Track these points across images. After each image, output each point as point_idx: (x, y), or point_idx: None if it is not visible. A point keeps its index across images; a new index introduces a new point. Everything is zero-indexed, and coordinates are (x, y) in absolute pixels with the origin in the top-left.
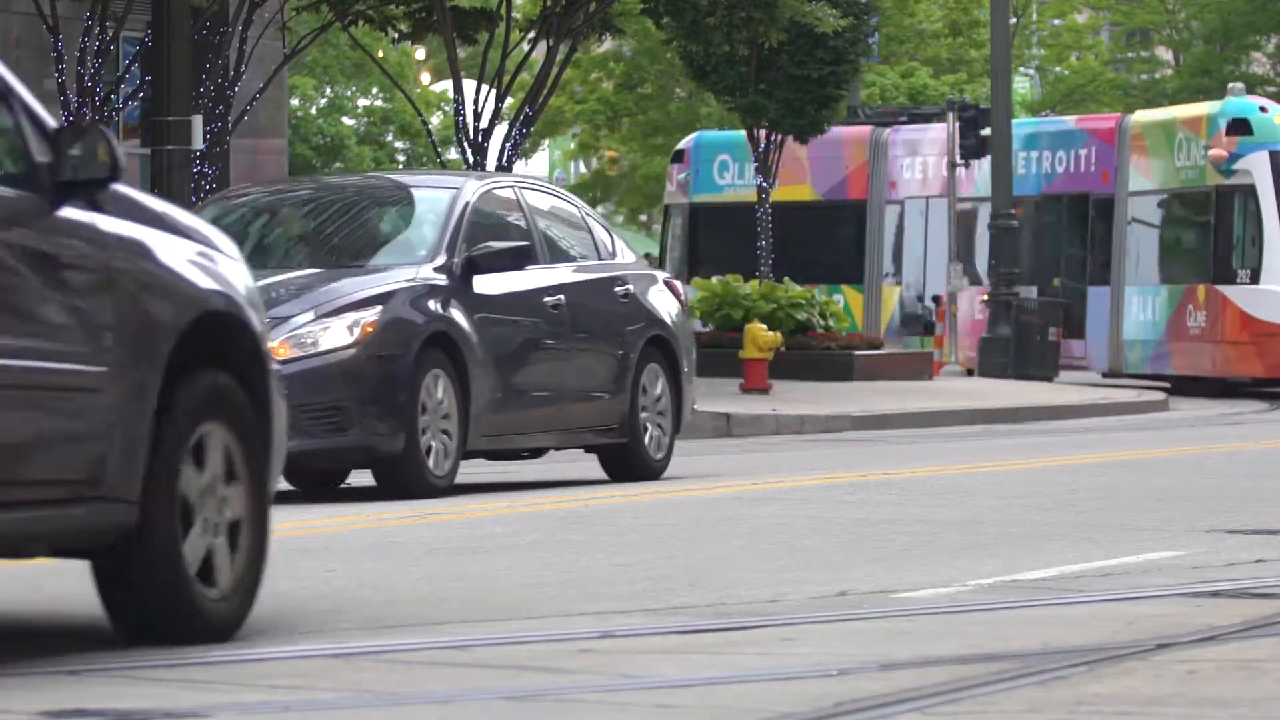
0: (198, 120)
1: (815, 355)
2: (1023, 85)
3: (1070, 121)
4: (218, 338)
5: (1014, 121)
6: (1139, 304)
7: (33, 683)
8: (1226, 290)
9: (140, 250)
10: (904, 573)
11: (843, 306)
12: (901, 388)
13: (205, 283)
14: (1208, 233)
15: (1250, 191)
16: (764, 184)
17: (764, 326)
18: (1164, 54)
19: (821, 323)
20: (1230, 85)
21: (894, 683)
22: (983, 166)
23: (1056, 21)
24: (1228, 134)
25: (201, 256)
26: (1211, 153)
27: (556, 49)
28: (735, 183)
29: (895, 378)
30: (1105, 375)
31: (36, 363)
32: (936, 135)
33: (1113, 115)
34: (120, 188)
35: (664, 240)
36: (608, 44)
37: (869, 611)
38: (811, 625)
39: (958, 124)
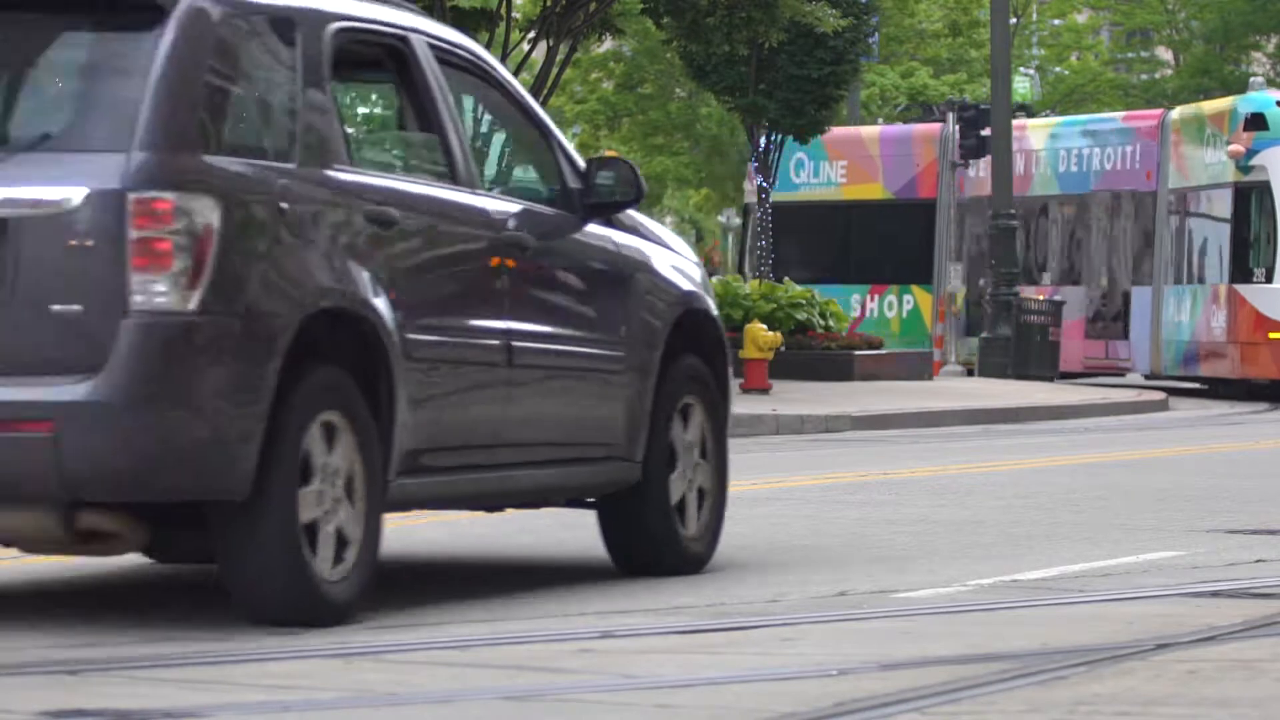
0: None
1: (815, 355)
2: (1023, 85)
3: (1118, 118)
4: (693, 328)
5: (1066, 119)
6: (1174, 304)
7: (33, 683)
8: (1243, 290)
9: (643, 260)
10: (904, 573)
11: (912, 307)
12: (901, 388)
13: (685, 285)
14: (1227, 231)
15: (1265, 188)
16: (764, 184)
17: (764, 326)
18: (1164, 54)
19: (821, 323)
20: (1251, 79)
21: (894, 683)
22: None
23: (1056, 21)
24: (1245, 129)
25: (679, 263)
26: (1229, 148)
27: (556, 49)
28: (811, 181)
29: (895, 378)
30: (1147, 377)
31: (582, 349)
32: None
33: (1156, 112)
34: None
35: (744, 240)
36: (608, 44)
37: (869, 611)
38: (811, 625)
39: (958, 124)
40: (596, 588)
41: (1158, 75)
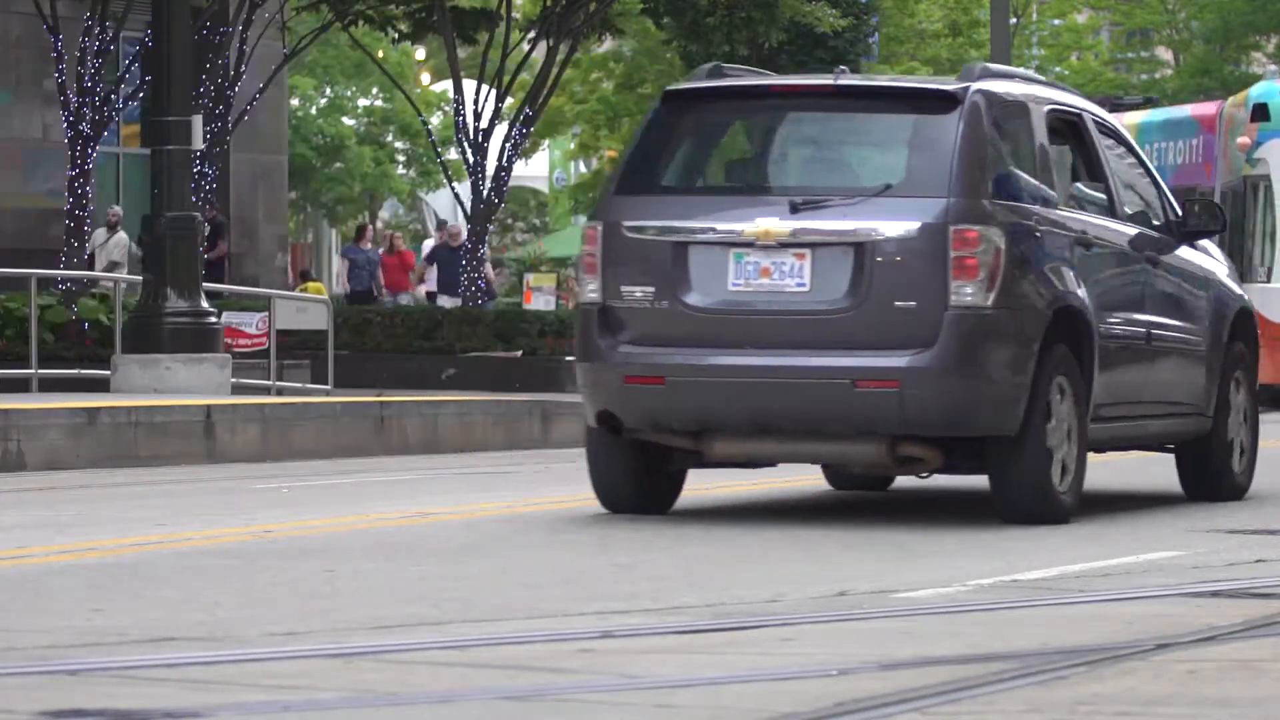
0: (198, 120)
1: None
2: None
3: (1187, 110)
4: (1239, 323)
5: (1149, 113)
6: None
7: (32, 683)
8: (1248, 289)
9: (1214, 272)
10: (904, 573)
11: None
12: None
13: (1237, 290)
14: (1237, 228)
15: (1267, 183)
16: None
17: None
18: (1164, 54)
19: None
20: (1268, 69)
21: (894, 683)
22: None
23: (1056, 21)
24: (1251, 120)
25: (1229, 274)
26: (1238, 141)
27: (556, 49)
28: None
29: None
30: None
31: (1186, 336)
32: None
33: (1216, 102)
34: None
35: None
36: (608, 44)
37: (869, 611)
38: (811, 625)
39: None
40: (596, 586)
41: (1158, 75)
